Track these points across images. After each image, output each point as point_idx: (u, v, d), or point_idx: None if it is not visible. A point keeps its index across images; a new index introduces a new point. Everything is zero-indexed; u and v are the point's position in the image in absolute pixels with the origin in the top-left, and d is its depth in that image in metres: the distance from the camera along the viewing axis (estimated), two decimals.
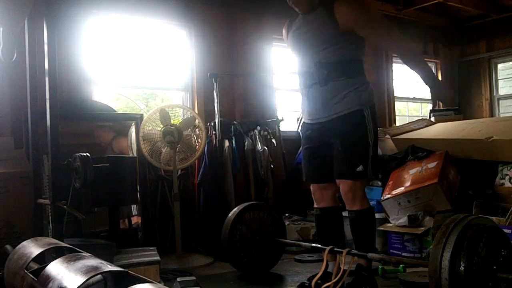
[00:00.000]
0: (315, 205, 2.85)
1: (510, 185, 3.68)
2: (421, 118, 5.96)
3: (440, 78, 6.88)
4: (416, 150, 3.99)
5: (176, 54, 4.69)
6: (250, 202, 3.44)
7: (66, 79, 3.85)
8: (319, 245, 2.76)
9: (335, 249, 2.64)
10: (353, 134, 2.59)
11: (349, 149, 2.57)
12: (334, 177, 2.66)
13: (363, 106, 2.61)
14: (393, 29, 2.63)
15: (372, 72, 6.07)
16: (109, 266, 1.54)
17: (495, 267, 2.00)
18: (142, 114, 4.03)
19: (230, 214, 3.28)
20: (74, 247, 1.96)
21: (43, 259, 2.05)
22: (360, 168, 2.56)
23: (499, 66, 6.83)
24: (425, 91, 6.91)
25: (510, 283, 1.99)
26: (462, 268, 1.93)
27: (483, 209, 3.50)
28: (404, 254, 3.52)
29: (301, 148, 3.00)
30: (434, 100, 2.65)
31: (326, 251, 2.64)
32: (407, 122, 5.37)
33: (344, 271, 2.55)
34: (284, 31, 2.94)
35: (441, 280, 1.95)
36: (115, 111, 4.12)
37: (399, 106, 6.51)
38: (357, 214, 2.64)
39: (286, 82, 5.46)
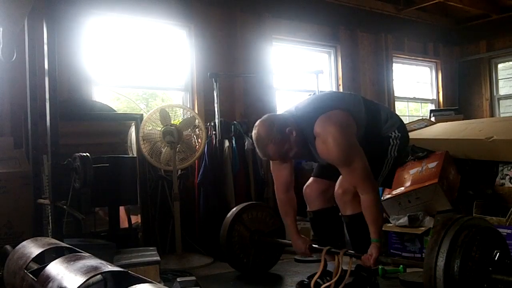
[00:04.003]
0: (308, 209, 2.84)
1: (511, 185, 3.68)
2: (421, 118, 5.96)
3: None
4: (416, 150, 3.99)
5: (176, 54, 4.69)
6: (247, 202, 3.44)
7: (66, 79, 3.85)
8: (318, 246, 2.75)
9: (332, 249, 2.64)
10: (374, 145, 2.59)
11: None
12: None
13: (389, 130, 2.64)
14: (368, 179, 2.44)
15: (372, 72, 6.08)
16: (109, 266, 1.54)
17: (490, 268, 2.01)
18: (142, 114, 4.03)
19: (227, 216, 3.28)
20: (74, 247, 1.96)
21: (43, 259, 2.05)
22: None
23: (499, 66, 6.83)
24: (425, 91, 6.93)
25: (505, 284, 2.00)
26: (456, 276, 1.94)
27: (483, 209, 3.49)
28: (404, 254, 3.53)
29: None
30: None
31: (324, 252, 2.65)
32: (407, 122, 5.36)
33: (345, 271, 2.55)
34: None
35: None
36: (115, 111, 4.12)
37: (399, 106, 6.51)
38: (350, 219, 2.65)
39: (286, 82, 5.47)
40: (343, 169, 2.45)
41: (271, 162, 2.79)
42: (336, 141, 2.37)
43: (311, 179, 2.84)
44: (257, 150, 2.51)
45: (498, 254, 2.02)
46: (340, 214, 2.77)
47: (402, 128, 2.70)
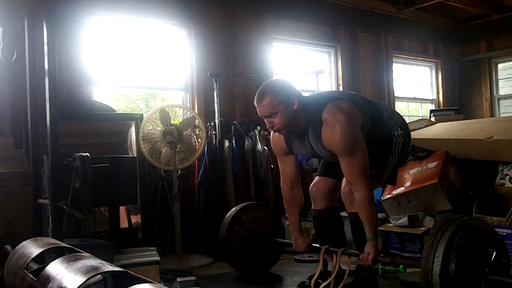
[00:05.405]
0: (313, 207, 2.85)
1: (511, 185, 3.68)
2: (421, 118, 5.96)
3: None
4: (416, 150, 3.99)
5: (176, 54, 4.69)
6: (246, 202, 3.44)
7: (66, 79, 3.85)
8: (317, 245, 2.76)
9: (331, 248, 2.64)
10: (379, 142, 2.60)
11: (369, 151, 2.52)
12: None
13: (392, 128, 2.65)
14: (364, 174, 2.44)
15: (372, 72, 6.08)
16: (109, 266, 1.54)
17: (487, 269, 2.02)
18: (142, 114, 4.03)
19: (226, 216, 3.28)
20: (74, 247, 1.96)
21: (43, 259, 2.05)
22: (372, 171, 2.54)
23: (499, 66, 6.83)
24: (425, 91, 6.93)
25: (502, 285, 2.00)
26: (452, 279, 1.95)
27: (483, 209, 3.49)
28: (404, 254, 3.53)
29: None
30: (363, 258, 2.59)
31: (322, 250, 2.66)
32: (407, 122, 5.36)
33: (344, 271, 2.55)
34: (277, 143, 2.73)
35: None
36: (115, 111, 4.12)
37: (399, 106, 6.50)
38: (355, 216, 2.65)
39: None
40: (344, 159, 2.43)
41: (277, 157, 2.78)
42: (343, 130, 2.38)
43: (317, 177, 2.85)
44: (255, 95, 2.47)
45: (494, 254, 2.02)
46: (342, 212, 2.77)
47: (404, 126, 2.72)
